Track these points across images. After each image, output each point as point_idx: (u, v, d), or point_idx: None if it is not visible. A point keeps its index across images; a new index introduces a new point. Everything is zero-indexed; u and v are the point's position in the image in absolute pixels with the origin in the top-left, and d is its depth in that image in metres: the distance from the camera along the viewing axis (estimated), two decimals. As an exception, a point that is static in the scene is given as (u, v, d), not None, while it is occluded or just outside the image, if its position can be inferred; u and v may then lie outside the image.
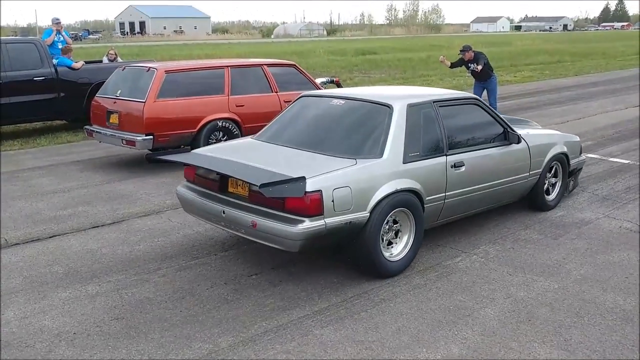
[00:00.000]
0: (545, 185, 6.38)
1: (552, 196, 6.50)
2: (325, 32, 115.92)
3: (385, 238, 4.73)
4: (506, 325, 4.01)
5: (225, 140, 8.16)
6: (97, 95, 9.04)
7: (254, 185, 4.18)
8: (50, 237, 5.74)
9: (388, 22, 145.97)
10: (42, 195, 7.15)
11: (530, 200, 6.34)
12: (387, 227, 4.70)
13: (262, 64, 9.23)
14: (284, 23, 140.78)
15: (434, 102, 5.25)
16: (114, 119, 8.33)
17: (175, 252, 5.30)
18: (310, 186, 4.19)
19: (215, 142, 8.02)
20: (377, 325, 4.02)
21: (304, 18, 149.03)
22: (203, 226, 5.96)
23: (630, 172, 7.94)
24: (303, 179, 4.20)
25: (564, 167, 6.54)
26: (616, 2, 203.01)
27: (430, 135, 5.06)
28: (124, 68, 9.07)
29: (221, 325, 4.01)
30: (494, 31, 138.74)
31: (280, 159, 4.85)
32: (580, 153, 6.93)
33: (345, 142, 4.92)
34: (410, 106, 5.03)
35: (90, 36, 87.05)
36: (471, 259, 5.13)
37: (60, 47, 12.11)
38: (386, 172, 4.63)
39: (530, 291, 4.50)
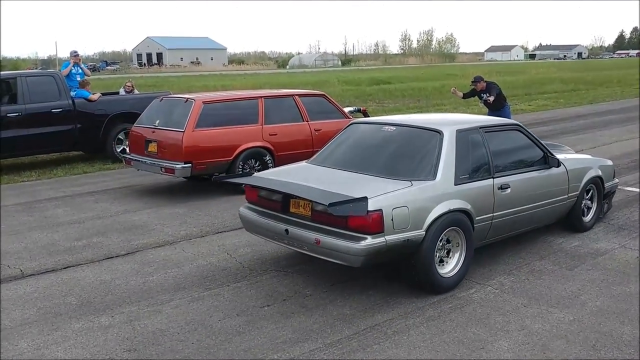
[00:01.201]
0: (582, 207, 6.59)
1: (588, 217, 6.73)
2: (339, 62, 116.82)
3: (438, 256, 4.97)
4: (520, 358, 3.95)
5: (260, 168, 8.50)
6: (135, 125, 9.35)
7: (322, 204, 4.48)
8: (64, 268, 5.78)
9: (402, 51, 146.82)
10: (58, 226, 7.22)
11: (568, 222, 6.57)
12: (440, 245, 4.96)
13: (293, 95, 9.60)
14: (299, 53, 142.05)
15: (480, 127, 5.61)
16: (152, 147, 8.62)
17: (188, 283, 5.31)
18: (371, 205, 4.48)
19: (249, 170, 8.36)
20: (389, 358, 3.98)
21: (319, 48, 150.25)
22: (216, 257, 5.98)
23: (646, 202, 7.85)
24: (365, 199, 4.49)
25: (599, 190, 6.80)
26: (631, 29, 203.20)
27: (478, 159, 5.39)
28: (162, 99, 9.42)
29: (233, 358, 3.99)
30: (508, 60, 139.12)
31: (339, 181, 5.12)
32: (614, 177, 7.20)
33: (399, 165, 5.27)
34: (459, 132, 5.36)
35: (108, 67, 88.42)
36: (485, 290, 5.08)
37: (78, 79, 12.32)
38: (439, 193, 4.93)
39: (545, 323, 4.45)
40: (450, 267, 5.09)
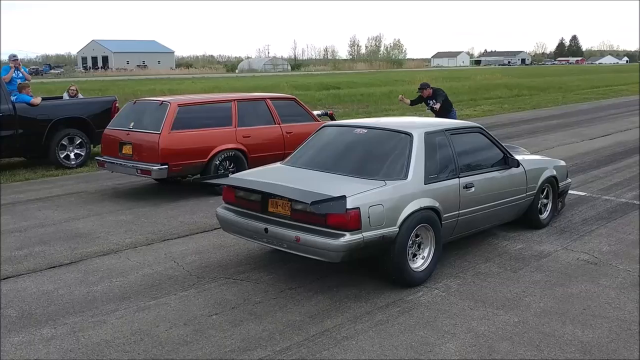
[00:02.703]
0: (539, 205, 6.93)
1: (544, 215, 7.08)
2: (289, 67, 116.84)
3: (410, 251, 5.21)
4: (467, 360, 4.02)
5: (234, 169, 8.68)
6: (107, 127, 9.38)
7: (304, 203, 4.67)
8: (4, 279, 5.56)
9: (351, 57, 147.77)
10: (-3, 235, 6.96)
11: (526, 219, 6.89)
12: (412, 241, 5.21)
13: (265, 98, 9.86)
14: (248, 58, 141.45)
15: (446, 130, 5.89)
16: (127, 149, 8.71)
17: (133, 293, 5.20)
18: (350, 204, 4.70)
19: (223, 172, 8.58)
20: (338, 363, 3.98)
21: (268, 53, 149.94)
22: (163, 265, 5.87)
23: (586, 204, 8.11)
24: (344, 197, 4.69)
25: (554, 189, 7.18)
26: (570, 37, 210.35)
27: (445, 159, 5.67)
28: (135, 102, 9.54)
29: (180, 368, 3.92)
30: (454, 66, 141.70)
31: (316, 181, 5.27)
32: (567, 176, 7.59)
33: (372, 165, 5.49)
34: (427, 134, 5.64)
35: (52, 71, 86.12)
36: (433, 293, 5.14)
37: (19, 83, 11.94)
38: (411, 192, 5.19)
39: (491, 325, 4.53)
40: (421, 261, 5.34)
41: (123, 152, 8.75)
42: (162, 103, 8.77)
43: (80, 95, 13.52)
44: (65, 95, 13.29)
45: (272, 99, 9.89)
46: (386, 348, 4.18)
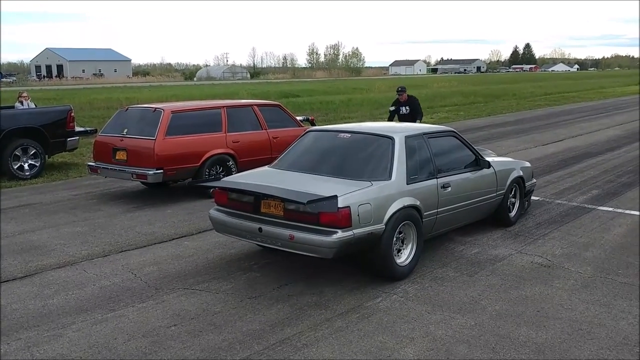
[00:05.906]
0: (508, 204, 7.35)
1: (513, 213, 7.51)
2: (248, 75, 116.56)
3: (395, 247, 5.52)
4: (425, 364, 4.08)
5: (224, 173, 8.95)
6: (99, 134, 9.67)
7: (300, 203, 4.91)
8: (-45, 294, 5.42)
9: (310, 65, 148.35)
10: (-53, 250, 6.76)
11: (496, 217, 7.31)
12: (396, 237, 5.52)
13: (252, 105, 10.28)
14: (206, 65, 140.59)
15: (423, 134, 6.26)
16: (121, 155, 8.92)
17: (90, 305, 5.12)
18: (341, 203, 4.99)
19: (214, 176, 8.97)
20: (298, 371, 3.99)
21: (227, 60, 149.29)
22: (120, 277, 5.80)
23: (540, 209, 8.31)
24: (335, 197, 4.96)
25: (521, 188, 7.62)
26: (524, 45, 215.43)
27: (424, 161, 6.03)
28: (127, 109, 9.72)
29: (139, 380, 3.88)
30: (411, 74, 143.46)
31: (305, 183, 5.51)
32: (532, 177, 8.02)
33: (357, 167, 5.78)
34: (407, 137, 6.00)
35: (4, 79, 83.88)
36: (391, 298, 5.21)
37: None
38: (395, 191, 5.52)
39: (448, 329, 4.61)
40: (404, 257, 5.66)
41: (117, 157, 8.94)
42: (155, 110, 9.00)
43: (32, 104, 13.25)
44: (18, 105, 13.01)
45: (258, 105, 10.28)
46: (346, 354, 4.21)
